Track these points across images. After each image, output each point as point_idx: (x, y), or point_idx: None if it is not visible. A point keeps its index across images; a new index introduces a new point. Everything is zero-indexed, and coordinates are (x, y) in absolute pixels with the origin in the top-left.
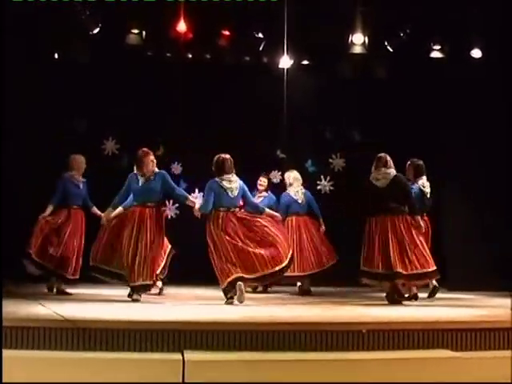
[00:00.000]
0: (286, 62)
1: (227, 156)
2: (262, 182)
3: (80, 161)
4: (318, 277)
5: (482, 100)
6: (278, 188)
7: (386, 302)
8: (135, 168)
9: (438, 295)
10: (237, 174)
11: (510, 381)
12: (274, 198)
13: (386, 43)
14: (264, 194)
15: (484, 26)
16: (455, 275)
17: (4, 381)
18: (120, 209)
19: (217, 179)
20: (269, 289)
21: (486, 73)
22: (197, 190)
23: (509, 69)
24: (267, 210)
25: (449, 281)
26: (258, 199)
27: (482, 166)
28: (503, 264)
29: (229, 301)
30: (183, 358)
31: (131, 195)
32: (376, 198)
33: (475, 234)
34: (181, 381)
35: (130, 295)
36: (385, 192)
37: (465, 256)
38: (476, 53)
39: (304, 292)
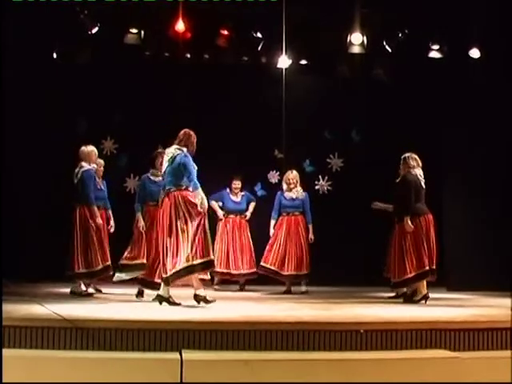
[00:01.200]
0: (284, 61)
1: None
2: (236, 184)
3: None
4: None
5: (482, 99)
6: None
7: (384, 302)
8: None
9: (437, 295)
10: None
11: (509, 381)
12: (251, 196)
13: (384, 43)
14: (241, 193)
15: (484, 25)
16: (455, 275)
17: (4, 380)
18: None
19: None
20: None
21: (484, 72)
22: None
23: (509, 68)
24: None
25: (448, 281)
26: (237, 198)
27: (482, 166)
28: (503, 264)
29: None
30: (181, 358)
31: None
32: (418, 197)
33: (475, 234)
34: (179, 380)
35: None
36: (422, 191)
37: (465, 256)
38: (474, 52)
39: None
